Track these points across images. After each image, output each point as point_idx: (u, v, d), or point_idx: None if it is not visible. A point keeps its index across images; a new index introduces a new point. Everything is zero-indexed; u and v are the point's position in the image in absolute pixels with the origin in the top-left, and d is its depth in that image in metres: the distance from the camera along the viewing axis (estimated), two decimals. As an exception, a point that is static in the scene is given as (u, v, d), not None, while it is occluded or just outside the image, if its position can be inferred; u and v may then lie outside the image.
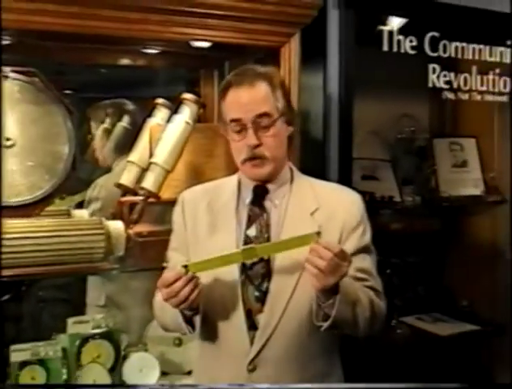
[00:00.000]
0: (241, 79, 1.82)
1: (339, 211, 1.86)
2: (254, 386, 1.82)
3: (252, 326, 1.81)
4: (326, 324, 1.72)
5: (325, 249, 1.62)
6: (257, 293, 1.81)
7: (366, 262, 1.87)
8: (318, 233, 1.66)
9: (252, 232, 1.84)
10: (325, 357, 1.89)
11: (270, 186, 1.88)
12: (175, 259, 1.94)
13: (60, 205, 2.46)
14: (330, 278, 1.63)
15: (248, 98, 1.80)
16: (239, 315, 1.80)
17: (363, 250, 1.87)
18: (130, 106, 2.85)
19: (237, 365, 1.81)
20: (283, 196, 1.88)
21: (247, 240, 1.83)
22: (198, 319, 1.81)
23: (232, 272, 1.80)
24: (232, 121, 1.81)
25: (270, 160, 1.81)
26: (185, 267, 1.68)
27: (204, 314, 1.82)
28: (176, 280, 1.67)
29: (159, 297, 1.86)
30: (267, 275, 1.81)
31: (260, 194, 1.87)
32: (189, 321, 1.81)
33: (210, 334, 1.86)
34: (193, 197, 1.97)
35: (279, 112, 1.82)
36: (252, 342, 1.80)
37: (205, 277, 1.75)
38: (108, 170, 2.88)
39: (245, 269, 1.81)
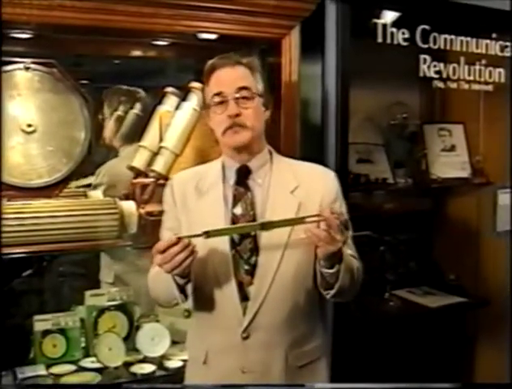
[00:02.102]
0: (223, 62, 1.87)
1: (316, 188, 1.89)
2: (255, 386, 1.85)
3: (244, 297, 1.83)
4: (332, 292, 1.78)
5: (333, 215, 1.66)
6: (246, 267, 1.83)
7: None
8: (331, 210, 1.69)
9: (238, 210, 1.86)
10: (309, 320, 1.92)
11: (252, 166, 1.90)
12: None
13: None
14: (335, 242, 1.67)
15: (230, 75, 1.85)
16: (231, 288, 1.83)
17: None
18: (142, 94, 2.85)
19: (232, 334, 1.83)
20: (265, 175, 1.91)
21: (234, 218, 1.86)
22: (189, 288, 1.83)
23: (223, 247, 1.83)
24: (215, 95, 1.84)
25: (249, 129, 1.83)
26: (207, 232, 1.68)
27: (198, 288, 1.85)
28: (170, 246, 1.68)
29: (153, 270, 1.91)
30: (255, 249, 1.83)
31: (244, 174, 1.89)
32: (182, 290, 1.82)
33: (204, 306, 1.88)
34: (181, 180, 1.99)
35: (258, 91, 1.87)
36: (244, 312, 1.82)
37: (198, 251, 1.76)
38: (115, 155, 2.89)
39: (234, 244, 1.84)
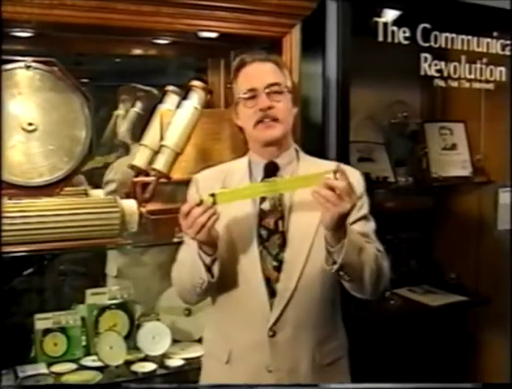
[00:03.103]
0: (252, 58, 1.88)
1: None
2: (257, 386, 1.84)
3: (271, 293, 1.82)
4: (335, 266, 1.72)
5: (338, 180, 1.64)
6: (275, 263, 1.83)
7: (366, 227, 1.89)
8: (335, 172, 1.66)
9: (266, 206, 1.86)
10: (332, 320, 1.93)
11: (279, 162, 1.89)
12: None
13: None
14: (338, 208, 1.63)
15: (260, 71, 1.87)
16: (259, 284, 1.82)
17: (363, 218, 1.89)
18: (156, 92, 2.86)
19: (258, 332, 1.82)
20: (292, 172, 1.90)
21: (262, 214, 1.85)
22: (216, 266, 1.78)
23: (250, 243, 1.82)
24: (246, 91, 1.84)
25: (280, 122, 1.83)
26: (212, 195, 1.69)
27: (224, 285, 1.83)
28: (192, 209, 1.68)
29: (178, 258, 1.90)
30: (283, 245, 1.83)
31: (272, 170, 1.88)
32: (208, 270, 1.78)
33: (229, 303, 1.87)
34: (207, 177, 1.98)
35: (287, 87, 1.87)
36: (271, 308, 1.81)
37: (225, 248, 1.79)
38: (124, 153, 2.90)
39: (262, 240, 1.83)
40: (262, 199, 1.86)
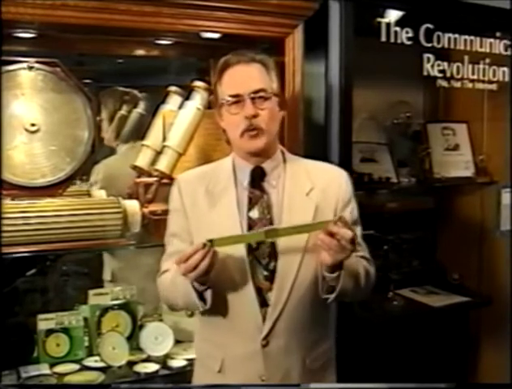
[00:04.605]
0: (237, 60, 1.81)
1: (331, 189, 1.86)
2: (256, 386, 1.83)
3: (263, 303, 1.79)
4: (332, 296, 1.76)
5: (341, 229, 1.64)
6: (265, 273, 1.80)
7: (357, 234, 1.88)
8: (338, 220, 1.67)
9: (254, 214, 1.82)
10: (322, 324, 1.92)
11: (266, 167, 1.85)
12: (175, 246, 1.90)
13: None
14: (340, 254, 1.66)
15: (245, 75, 1.80)
16: (250, 294, 1.79)
17: (354, 223, 1.87)
18: (138, 95, 2.86)
19: (251, 342, 1.80)
20: (279, 177, 1.87)
21: (250, 222, 1.81)
22: (209, 294, 1.77)
23: (239, 253, 1.78)
24: (230, 96, 1.78)
25: (265, 132, 1.78)
26: (210, 241, 1.65)
27: (214, 294, 1.78)
28: (194, 254, 1.65)
29: (167, 277, 1.86)
30: (273, 254, 1.80)
31: (259, 176, 1.85)
32: (201, 297, 1.77)
33: (221, 313, 1.84)
34: (189, 180, 1.93)
35: (273, 91, 1.82)
36: (264, 318, 1.79)
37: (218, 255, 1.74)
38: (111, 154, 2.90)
39: (251, 250, 1.80)
40: (250, 207, 1.82)
